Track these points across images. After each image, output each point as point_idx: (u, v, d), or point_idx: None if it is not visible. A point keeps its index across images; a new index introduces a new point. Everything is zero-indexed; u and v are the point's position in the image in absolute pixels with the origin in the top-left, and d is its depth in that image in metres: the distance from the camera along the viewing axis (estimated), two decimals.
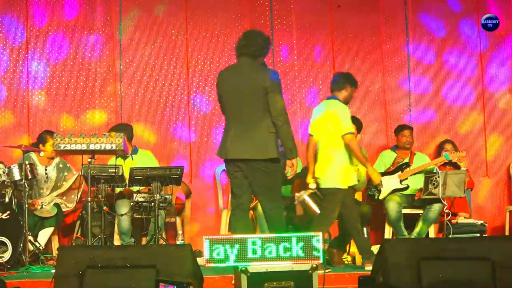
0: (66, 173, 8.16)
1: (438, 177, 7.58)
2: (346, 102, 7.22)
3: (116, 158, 7.51)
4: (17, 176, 7.32)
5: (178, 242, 8.05)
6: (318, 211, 7.02)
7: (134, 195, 7.54)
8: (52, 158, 8.12)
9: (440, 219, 7.96)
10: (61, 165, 8.17)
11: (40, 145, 8.02)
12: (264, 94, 6.09)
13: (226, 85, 6.23)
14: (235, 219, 6.30)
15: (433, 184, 7.63)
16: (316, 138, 7.27)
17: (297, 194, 7.22)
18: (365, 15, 9.20)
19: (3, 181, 7.36)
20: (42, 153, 7.99)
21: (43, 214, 7.83)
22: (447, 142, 8.75)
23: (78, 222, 8.15)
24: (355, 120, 7.70)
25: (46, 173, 8.06)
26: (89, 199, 6.97)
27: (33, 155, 7.99)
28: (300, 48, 9.08)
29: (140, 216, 7.67)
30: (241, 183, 6.23)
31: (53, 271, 5.65)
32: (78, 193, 7.97)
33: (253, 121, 6.12)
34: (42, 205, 7.87)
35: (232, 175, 6.27)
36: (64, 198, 8.06)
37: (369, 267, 6.34)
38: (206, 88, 8.97)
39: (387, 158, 8.47)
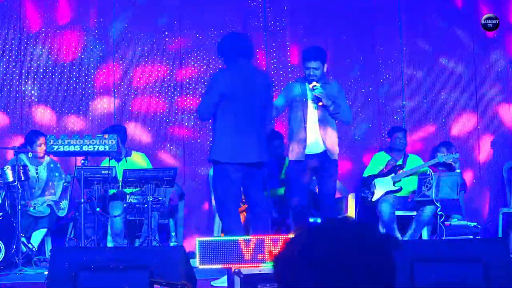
0: (57, 174, 8.15)
1: (432, 179, 7.59)
2: None
3: (110, 160, 7.50)
4: (10, 177, 7.30)
5: (171, 244, 8.05)
6: None
7: (127, 196, 7.54)
8: (42, 158, 8.10)
9: (433, 221, 7.97)
10: (52, 165, 8.15)
11: (28, 146, 8.00)
12: (269, 93, 6.37)
13: (233, 85, 6.25)
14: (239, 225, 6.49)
15: (426, 186, 7.64)
16: None
17: None
18: (358, 16, 9.21)
19: None
20: (30, 154, 7.97)
21: (37, 214, 7.82)
22: (442, 145, 8.75)
23: (71, 224, 8.14)
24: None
25: (37, 173, 8.05)
26: (82, 200, 6.96)
27: (23, 156, 7.96)
28: (293, 50, 9.09)
29: (133, 218, 7.66)
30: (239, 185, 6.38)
31: (46, 272, 5.65)
32: (67, 201, 8.01)
33: (262, 122, 6.34)
34: (35, 206, 7.85)
35: (235, 178, 6.33)
36: (54, 206, 8.02)
37: None
38: (200, 89, 8.97)
39: (381, 160, 8.47)
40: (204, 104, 6.37)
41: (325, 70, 7.01)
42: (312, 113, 6.97)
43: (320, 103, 6.90)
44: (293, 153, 6.96)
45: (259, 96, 6.31)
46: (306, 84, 7.00)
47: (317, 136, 6.93)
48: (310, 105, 6.96)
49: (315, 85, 6.87)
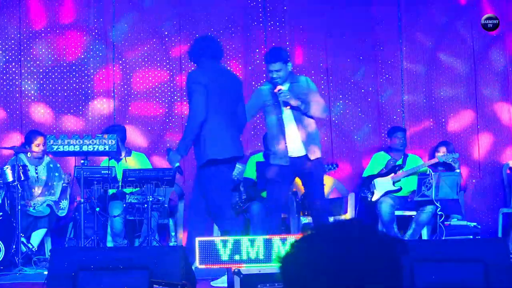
0: (56, 174, 8.14)
1: (431, 179, 7.59)
2: None
3: (109, 160, 7.50)
4: (10, 177, 7.30)
5: (171, 244, 8.05)
6: None
7: (127, 196, 7.54)
8: (41, 158, 8.09)
9: (433, 221, 7.97)
10: (51, 165, 8.15)
11: (27, 146, 8.00)
12: (241, 92, 6.49)
13: (214, 83, 6.24)
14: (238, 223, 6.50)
15: (426, 186, 7.64)
16: None
17: None
18: (359, 16, 9.20)
19: None
20: (28, 154, 7.96)
21: (37, 214, 7.82)
22: (442, 144, 8.75)
23: (71, 224, 8.14)
24: None
25: (36, 173, 8.04)
26: (82, 200, 6.96)
27: (22, 156, 7.95)
28: (293, 50, 9.08)
29: (133, 218, 7.66)
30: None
31: (46, 272, 5.65)
32: (67, 201, 8.01)
33: (240, 121, 6.42)
34: (35, 206, 7.85)
35: (229, 176, 6.40)
36: (54, 206, 8.02)
37: None
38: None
39: (380, 160, 8.47)
40: (198, 107, 6.19)
41: (290, 69, 6.82)
42: (287, 116, 6.81)
43: (288, 107, 6.74)
44: (276, 157, 6.78)
45: (236, 94, 6.39)
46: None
47: (296, 138, 6.76)
48: (283, 107, 6.79)
49: (279, 89, 6.71)
